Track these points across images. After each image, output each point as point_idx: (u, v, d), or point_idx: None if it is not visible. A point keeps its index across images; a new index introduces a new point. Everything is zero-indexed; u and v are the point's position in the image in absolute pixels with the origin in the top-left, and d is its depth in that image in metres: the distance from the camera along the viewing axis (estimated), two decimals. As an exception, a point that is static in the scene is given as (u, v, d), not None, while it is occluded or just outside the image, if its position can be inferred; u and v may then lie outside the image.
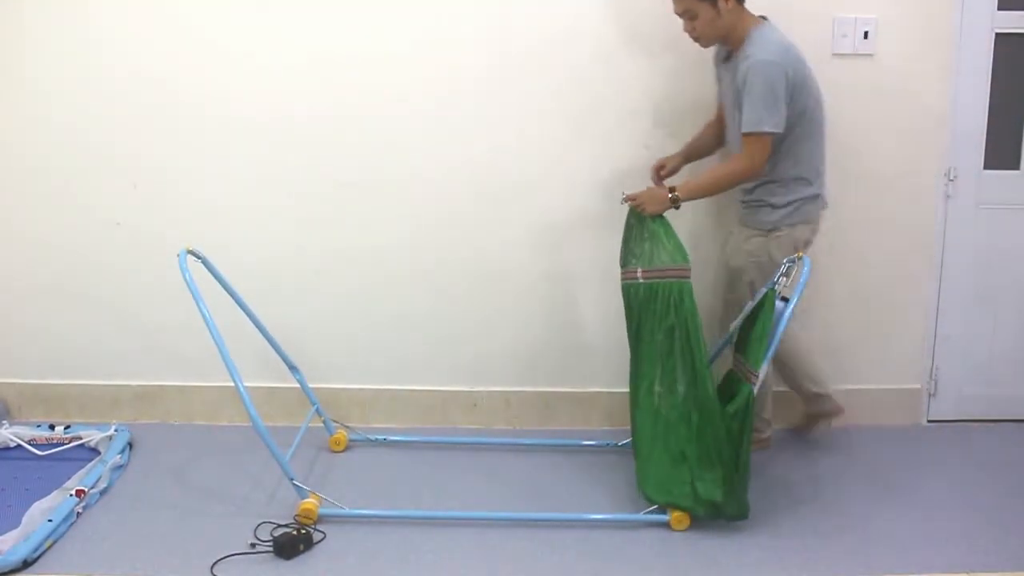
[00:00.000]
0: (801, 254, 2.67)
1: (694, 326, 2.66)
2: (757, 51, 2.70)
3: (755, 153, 2.75)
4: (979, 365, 3.43)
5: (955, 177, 3.28)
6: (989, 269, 3.35)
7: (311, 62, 3.12)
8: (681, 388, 2.71)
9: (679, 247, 2.75)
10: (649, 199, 2.82)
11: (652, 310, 2.75)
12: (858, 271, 3.32)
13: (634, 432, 2.87)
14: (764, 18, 2.80)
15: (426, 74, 3.13)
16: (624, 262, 2.92)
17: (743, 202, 2.97)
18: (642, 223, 2.85)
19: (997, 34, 3.19)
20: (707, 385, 2.64)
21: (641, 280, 2.79)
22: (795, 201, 2.88)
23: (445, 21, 3.09)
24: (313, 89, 3.14)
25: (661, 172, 3.02)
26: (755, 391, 2.60)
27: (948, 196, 3.29)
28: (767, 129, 2.70)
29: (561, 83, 3.13)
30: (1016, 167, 3.31)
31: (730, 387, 2.78)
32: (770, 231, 2.90)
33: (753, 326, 2.70)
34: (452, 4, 3.08)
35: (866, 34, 3.12)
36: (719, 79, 2.95)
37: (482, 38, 3.10)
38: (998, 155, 3.29)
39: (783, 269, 2.72)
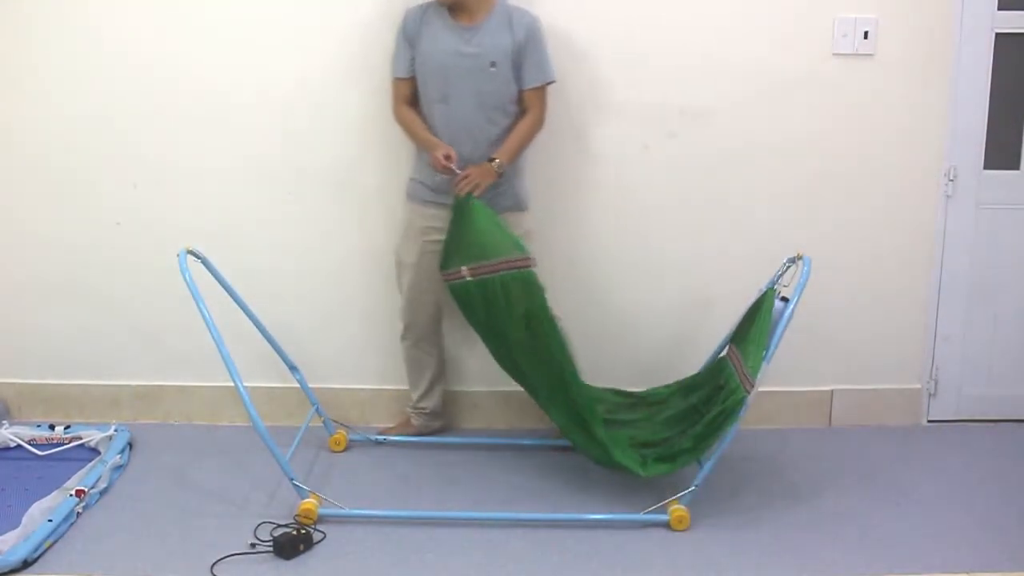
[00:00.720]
0: (801, 254, 2.67)
1: (544, 312, 2.75)
2: (526, 11, 2.87)
3: (545, 103, 2.92)
4: (979, 365, 3.43)
5: (955, 177, 3.28)
6: (989, 269, 3.35)
7: (313, 63, 3.12)
8: (557, 370, 2.78)
9: (513, 239, 2.79)
10: (481, 175, 2.81)
11: (499, 306, 2.79)
12: (858, 271, 3.32)
13: (565, 423, 2.89)
14: None
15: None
16: (444, 264, 2.91)
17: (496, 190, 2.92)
18: (463, 219, 2.82)
19: (997, 34, 3.19)
20: (572, 366, 2.78)
21: (469, 279, 2.82)
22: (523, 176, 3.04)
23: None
24: (316, 90, 3.14)
25: (451, 162, 2.83)
26: (750, 399, 2.59)
27: (948, 196, 3.29)
28: (556, 78, 2.90)
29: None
30: (1016, 167, 3.32)
31: (717, 375, 2.80)
32: (526, 208, 3.03)
33: (752, 326, 2.70)
34: None
35: (866, 34, 3.12)
36: (432, 48, 2.86)
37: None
38: (998, 155, 3.29)
39: (782, 268, 2.73)
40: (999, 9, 3.17)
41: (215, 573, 2.43)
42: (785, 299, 2.65)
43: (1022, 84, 3.26)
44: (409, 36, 2.90)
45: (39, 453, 3.07)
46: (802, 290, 2.62)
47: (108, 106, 3.16)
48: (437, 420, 3.28)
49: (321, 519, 2.66)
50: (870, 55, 3.15)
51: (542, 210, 3.20)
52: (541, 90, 2.90)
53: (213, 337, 2.59)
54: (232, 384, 2.60)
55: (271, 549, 2.52)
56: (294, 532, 2.55)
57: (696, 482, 2.68)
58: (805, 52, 3.14)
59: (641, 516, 2.71)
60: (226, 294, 2.85)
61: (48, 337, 3.35)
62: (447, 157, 2.82)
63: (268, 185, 3.21)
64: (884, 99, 3.19)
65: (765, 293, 2.70)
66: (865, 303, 3.35)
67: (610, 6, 3.10)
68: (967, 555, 2.56)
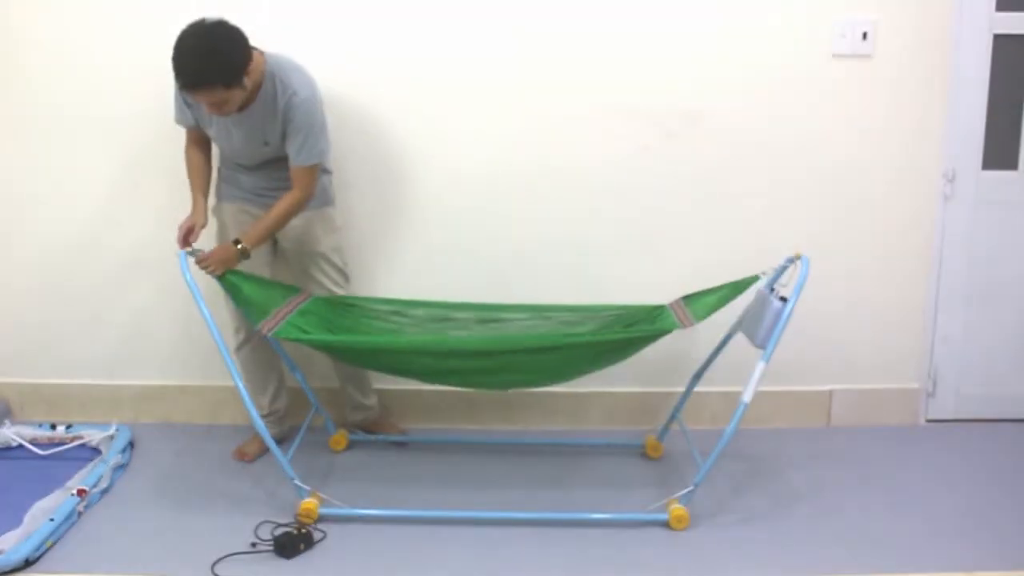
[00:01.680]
0: (799, 253, 2.68)
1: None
2: (297, 87, 2.70)
3: (311, 182, 2.80)
4: (978, 365, 3.44)
5: (954, 177, 3.29)
6: (988, 269, 3.36)
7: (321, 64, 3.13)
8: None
9: (281, 288, 2.86)
10: (219, 260, 2.70)
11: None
12: (857, 271, 3.33)
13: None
14: (259, 50, 2.70)
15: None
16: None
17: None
18: (232, 295, 2.77)
19: (995, 35, 3.20)
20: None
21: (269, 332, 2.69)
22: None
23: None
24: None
25: (191, 236, 2.80)
26: (677, 329, 2.67)
27: (947, 196, 3.30)
28: (325, 159, 2.84)
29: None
30: (1014, 167, 3.32)
31: (650, 314, 2.86)
32: (332, 202, 3.06)
33: (716, 291, 2.77)
34: None
35: (865, 35, 3.13)
36: (208, 124, 2.82)
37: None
38: (996, 156, 3.30)
39: (781, 268, 2.73)
40: (997, 10, 3.18)
41: (216, 572, 2.44)
42: (784, 299, 2.66)
43: (1020, 85, 3.27)
44: (188, 99, 2.77)
45: (40, 452, 3.08)
46: (800, 290, 2.62)
47: (108, 105, 3.16)
48: (287, 422, 3.19)
49: (322, 518, 2.67)
50: (869, 56, 3.15)
51: (544, 210, 3.22)
52: (304, 169, 2.77)
53: (213, 337, 2.60)
54: (232, 384, 2.61)
55: (272, 548, 2.53)
56: (295, 531, 2.56)
57: (696, 481, 2.69)
58: (804, 52, 3.15)
59: (641, 516, 2.72)
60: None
61: (48, 337, 3.35)
62: (190, 229, 2.78)
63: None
64: (883, 100, 3.19)
65: (748, 277, 2.73)
66: (864, 303, 3.36)
67: (609, 6, 3.11)
68: (966, 555, 2.56)
